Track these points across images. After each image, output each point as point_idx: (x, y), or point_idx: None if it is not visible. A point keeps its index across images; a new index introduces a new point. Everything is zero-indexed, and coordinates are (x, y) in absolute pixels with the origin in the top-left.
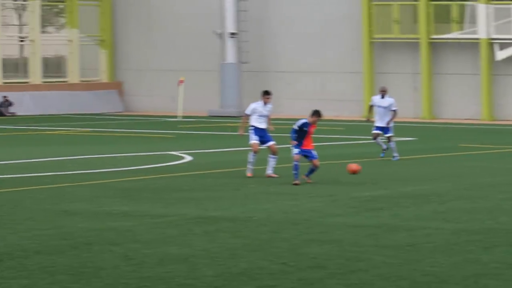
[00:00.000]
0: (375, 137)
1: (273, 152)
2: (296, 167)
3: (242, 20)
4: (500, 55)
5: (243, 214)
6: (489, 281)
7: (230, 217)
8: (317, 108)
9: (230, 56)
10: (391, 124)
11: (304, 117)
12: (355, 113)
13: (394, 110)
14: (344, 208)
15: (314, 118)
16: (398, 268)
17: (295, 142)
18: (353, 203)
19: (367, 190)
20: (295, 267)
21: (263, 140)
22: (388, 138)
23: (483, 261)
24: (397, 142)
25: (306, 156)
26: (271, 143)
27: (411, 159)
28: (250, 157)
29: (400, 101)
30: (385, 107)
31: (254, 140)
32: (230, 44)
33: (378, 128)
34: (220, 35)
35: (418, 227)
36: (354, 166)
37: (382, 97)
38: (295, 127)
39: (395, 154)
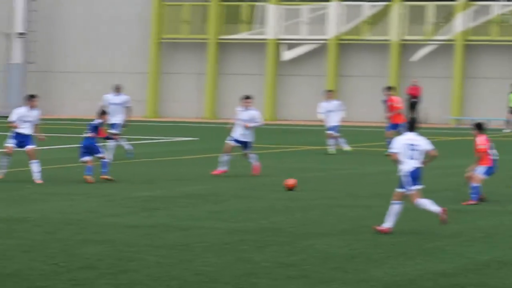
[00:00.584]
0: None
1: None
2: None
3: (32, 20)
4: (287, 55)
5: (18, 214)
6: (259, 280)
7: (5, 218)
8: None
9: (16, 56)
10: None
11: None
12: (138, 113)
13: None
14: (120, 208)
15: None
16: (170, 268)
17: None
18: (129, 203)
19: (144, 190)
20: (66, 267)
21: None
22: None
23: (255, 260)
24: (180, 142)
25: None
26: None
27: (191, 159)
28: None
29: (185, 101)
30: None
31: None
32: (16, 44)
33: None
34: (8, 36)
35: (193, 227)
36: (291, 181)
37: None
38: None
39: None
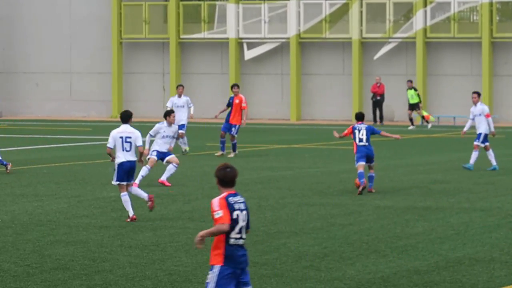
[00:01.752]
0: None
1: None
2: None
3: None
4: (249, 54)
5: None
6: None
7: None
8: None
9: None
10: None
11: (55, 118)
12: (103, 114)
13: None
14: (90, 208)
15: None
16: (143, 268)
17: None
18: (99, 204)
19: (113, 190)
20: (39, 268)
21: None
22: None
23: None
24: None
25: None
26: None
27: None
28: None
29: (149, 101)
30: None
31: None
32: None
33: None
34: None
35: (163, 227)
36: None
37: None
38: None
39: None
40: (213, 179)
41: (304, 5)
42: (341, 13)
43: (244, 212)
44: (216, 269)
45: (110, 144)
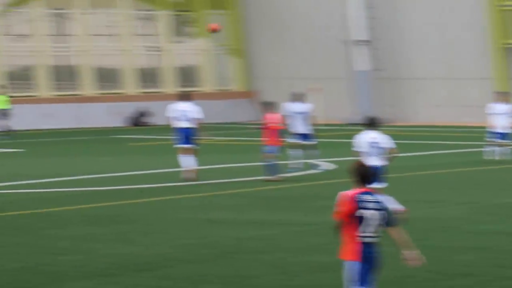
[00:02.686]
0: None
1: None
2: None
3: (372, 27)
4: None
5: None
6: None
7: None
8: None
9: (363, 64)
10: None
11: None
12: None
13: None
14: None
15: None
16: None
17: None
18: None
19: (509, 196)
20: (442, 274)
21: None
22: None
23: None
24: None
25: None
26: None
27: None
28: None
29: None
30: None
31: None
32: (361, 52)
33: None
34: (350, 43)
35: None
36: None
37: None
38: None
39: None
40: None
41: None
42: None
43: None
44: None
45: None
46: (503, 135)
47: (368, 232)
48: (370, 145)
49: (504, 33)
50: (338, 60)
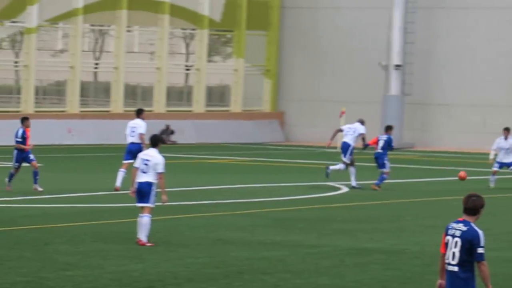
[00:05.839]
0: None
1: None
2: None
3: (408, 52)
4: None
5: (397, 246)
6: None
7: (383, 249)
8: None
9: (394, 88)
10: None
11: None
12: None
13: None
14: (498, 242)
15: None
16: None
17: None
18: (508, 238)
19: None
20: None
21: None
22: None
23: None
24: None
25: None
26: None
27: None
28: None
29: None
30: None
31: None
32: (394, 76)
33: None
34: (385, 67)
35: None
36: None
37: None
38: None
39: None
40: None
41: None
42: None
43: (456, 239)
44: None
45: None
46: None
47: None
48: (143, 162)
49: None
50: (374, 84)
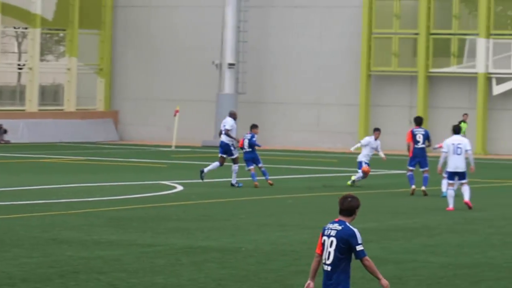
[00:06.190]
0: None
1: None
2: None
3: (242, 51)
4: (497, 89)
5: (232, 244)
6: None
7: (219, 248)
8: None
9: (228, 87)
10: None
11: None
12: (349, 145)
13: None
14: None
15: None
16: None
17: None
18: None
19: (356, 222)
20: None
21: None
22: None
23: None
24: (393, 174)
25: None
26: None
27: (405, 191)
28: None
29: (395, 134)
30: None
31: None
32: (227, 75)
33: None
34: (219, 66)
35: (406, 260)
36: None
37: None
38: None
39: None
40: (459, 213)
41: None
42: None
43: (332, 239)
44: None
45: None
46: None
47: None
48: None
49: (374, 60)
50: (208, 83)
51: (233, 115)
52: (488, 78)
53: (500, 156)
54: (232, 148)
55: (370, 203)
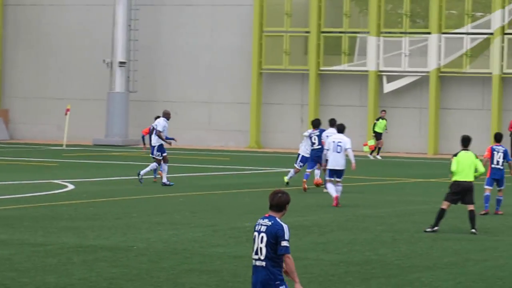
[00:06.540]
0: None
1: None
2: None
3: (133, 50)
4: (388, 87)
5: (124, 243)
6: None
7: (110, 246)
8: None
9: (119, 85)
10: None
11: (193, 147)
12: (241, 144)
13: None
14: (225, 238)
15: None
16: None
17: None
18: (234, 233)
19: (248, 220)
20: None
21: None
22: None
23: None
24: (282, 172)
25: None
26: None
27: (294, 189)
28: None
29: (287, 132)
30: None
31: None
32: (118, 73)
33: None
34: (110, 64)
35: (297, 258)
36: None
37: None
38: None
39: None
40: (350, 210)
41: (445, 39)
42: (482, 48)
43: (262, 234)
44: None
45: None
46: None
47: (256, 255)
48: None
49: (265, 58)
50: (99, 81)
51: (166, 115)
52: (379, 76)
53: (391, 154)
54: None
55: (261, 201)
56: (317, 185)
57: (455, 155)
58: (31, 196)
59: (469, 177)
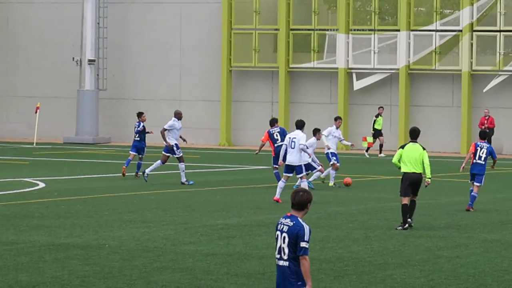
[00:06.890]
0: None
1: None
2: None
3: (102, 47)
4: (358, 85)
5: (96, 241)
6: None
7: (82, 245)
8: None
9: (88, 83)
10: None
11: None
12: (211, 141)
13: None
14: (197, 236)
15: None
16: None
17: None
18: (205, 231)
19: (220, 218)
20: None
21: None
22: None
23: None
24: (253, 170)
25: None
26: None
27: (265, 187)
28: None
29: (257, 129)
30: None
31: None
32: (87, 71)
33: None
34: (79, 62)
35: (269, 256)
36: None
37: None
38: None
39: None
40: (322, 207)
41: (414, 36)
42: (451, 45)
43: (284, 234)
44: None
45: None
46: None
47: (278, 254)
48: None
49: (234, 56)
50: (69, 79)
51: (177, 115)
52: (349, 73)
53: (362, 152)
54: (175, 148)
55: (233, 199)
56: (347, 184)
57: (402, 147)
58: (1, 195)
59: (418, 169)
